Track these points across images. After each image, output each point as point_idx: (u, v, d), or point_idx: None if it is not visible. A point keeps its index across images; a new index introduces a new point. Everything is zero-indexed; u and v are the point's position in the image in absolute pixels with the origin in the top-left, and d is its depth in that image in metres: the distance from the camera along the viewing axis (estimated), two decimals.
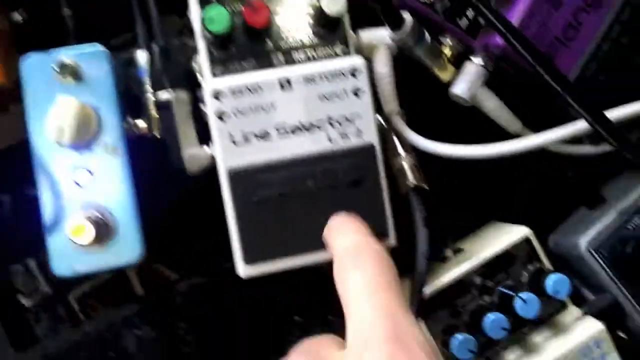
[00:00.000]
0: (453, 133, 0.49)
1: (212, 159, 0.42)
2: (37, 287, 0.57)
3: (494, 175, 0.52)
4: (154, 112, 0.44)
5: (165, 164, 0.44)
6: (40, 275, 0.57)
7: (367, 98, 0.40)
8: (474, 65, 0.44)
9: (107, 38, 0.50)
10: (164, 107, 0.43)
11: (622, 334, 0.47)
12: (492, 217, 0.52)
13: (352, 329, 0.31)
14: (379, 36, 0.44)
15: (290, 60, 0.41)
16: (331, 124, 0.40)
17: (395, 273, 0.34)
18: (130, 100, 0.45)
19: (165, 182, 0.46)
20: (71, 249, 0.40)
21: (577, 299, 0.48)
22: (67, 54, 0.41)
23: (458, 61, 0.46)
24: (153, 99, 0.43)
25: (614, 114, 0.38)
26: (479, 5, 0.37)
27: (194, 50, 0.42)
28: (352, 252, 0.34)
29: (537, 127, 0.48)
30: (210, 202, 0.45)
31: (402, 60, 0.45)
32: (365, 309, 0.31)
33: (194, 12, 0.40)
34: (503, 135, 0.48)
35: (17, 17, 0.44)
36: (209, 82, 0.40)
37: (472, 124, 0.48)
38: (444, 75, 0.45)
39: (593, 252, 0.47)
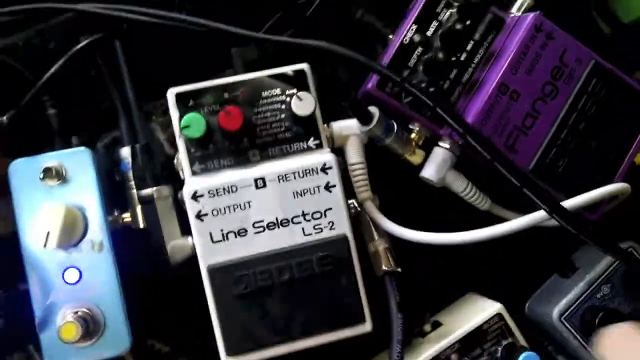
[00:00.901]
0: (426, 213, 0.51)
1: (194, 249, 0.44)
2: None
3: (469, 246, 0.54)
4: (137, 206, 0.46)
5: (150, 253, 0.46)
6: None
7: (338, 192, 0.42)
8: (442, 150, 0.47)
9: (93, 133, 0.53)
10: (147, 202, 0.46)
11: None
12: (468, 287, 0.54)
13: None
14: (350, 127, 0.46)
15: (265, 156, 0.43)
16: (305, 219, 0.42)
17: None
18: (115, 193, 0.47)
19: (150, 269, 0.48)
20: (62, 345, 0.42)
21: None
22: (51, 157, 0.44)
23: (427, 145, 0.48)
24: (136, 194, 0.46)
25: (572, 202, 0.40)
26: (436, 108, 0.39)
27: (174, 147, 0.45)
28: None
29: (506, 201, 0.51)
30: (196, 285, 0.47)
31: (373, 146, 0.48)
32: None
33: (174, 118, 0.43)
34: (475, 211, 0.50)
35: (3, 120, 0.46)
36: (187, 183, 0.42)
37: (444, 203, 0.51)
38: (414, 159, 0.48)
39: (564, 321, 0.49)
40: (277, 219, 0.42)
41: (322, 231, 0.42)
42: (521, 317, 0.52)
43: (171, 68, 0.53)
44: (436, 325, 0.49)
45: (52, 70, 0.45)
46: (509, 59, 0.44)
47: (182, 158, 0.43)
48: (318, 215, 0.42)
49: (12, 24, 0.49)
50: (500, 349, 0.46)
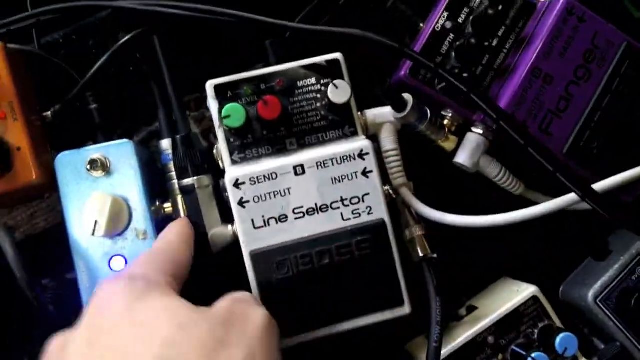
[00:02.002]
0: (460, 199, 0.52)
1: (235, 236, 0.46)
2: None
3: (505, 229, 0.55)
4: (178, 196, 0.47)
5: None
6: None
7: (375, 177, 0.43)
8: (475, 136, 0.47)
9: (133, 126, 0.55)
10: (188, 192, 0.47)
11: None
12: (503, 271, 0.55)
13: None
14: (384, 114, 0.47)
15: (302, 144, 0.44)
16: (344, 204, 0.43)
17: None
18: (155, 184, 0.48)
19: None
20: None
21: (588, 348, 0.50)
22: (96, 150, 0.45)
23: (460, 131, 0.49)
24: (177, 185, 0.47)
25: (604, 184, 0.40)
26: (470, 94, 0.40)
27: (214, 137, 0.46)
28: None
29: (539, 183, 0.51)
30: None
31: (407, 133, 0.49)
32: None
33: (213, 109, 0.44)
34: (509, 195, 0.51)
35: (48, 115, 0.48)
36: (229, 171, 0.43)
37: (478, 188, 0.51)
38: (448, 145, 0.48)
39: (600, 304, 0.49)
40: (316, 204, 0.43)
41: (360, 216, 0.43)
42: (555, 300, 0.52)
43: (202, 62, 0.55)
44: (471, 309, 0.50)
45: (97, 66, 0.46)
46: (542, 42, 0.45)
47: (221, 148, 0.44)
48: (356, 200, 0.43)
49: (52, 22, 0.51)
50: (536, 331, 0.47)
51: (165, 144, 0.48)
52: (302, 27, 0.45)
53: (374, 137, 0.47)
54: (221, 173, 0.46)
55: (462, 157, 0.48)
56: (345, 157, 0.43)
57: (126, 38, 0.46)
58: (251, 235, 0.42)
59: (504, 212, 0.44)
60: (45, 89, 0.50)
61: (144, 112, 0.55)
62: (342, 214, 0.43)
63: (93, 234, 0.42)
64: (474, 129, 0.48)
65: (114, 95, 0.52)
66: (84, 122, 0.50)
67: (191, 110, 0.56)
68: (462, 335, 0.46)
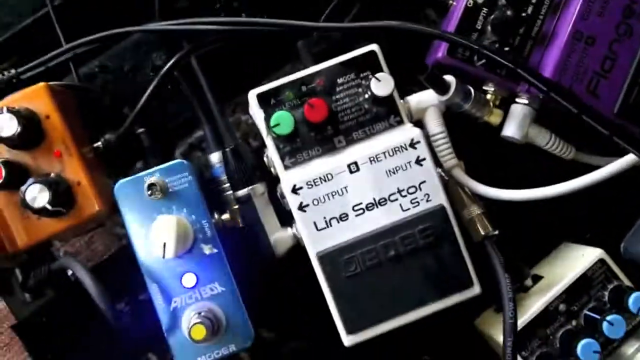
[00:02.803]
0: (510, 171, 0.51)
1: (295, 238, 0.47)
2: None
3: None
4: (235, 206, 0.48)
5: (255, 249, 0.48)
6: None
7: (429, 164, 0.43)
8: (521, 107, 0.47)
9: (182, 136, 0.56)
10: (244, 202, 0.48)
11: None
12: (560, 236, 0.55)
13: None
14: (427, 99, 0.47)
15: (350, 141, 0.45)
16: (401, 195, 0.43)
17: None
18: (209, 196, 0.49)
19: (254, 265, 0.50)
20: (192, 346, 0.45)
21: None
22: (152, 174, 0.46)
23: (504, 104, 0.48)
24: (233, 196, 0.48)
25: None
26: (517, 69, 0.40)
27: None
28: None
29: (590, 146, 0.51)
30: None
31: (450, 112, 0.48)
32: None
33: (259, 118, 0.44)
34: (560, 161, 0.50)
35: (99, 146, 0.49)
36: (284, 177, 0.44)
37: (528, 159, 0.51)
38: (494, 120, 0.48)
39: None
40: (374, 199, 0.43)
41: (419, 204, 0.43)
42: (619, 259, 0.52)
43: (233, 70, 0.55)
44: (536, 278, 0.50)
45: (144, 98, 0.47)
46: (579, 5, 0.44)
47: (272, 155, 0.45)
48: (413, 189, 0.43)
49: (85, 52, 0.52)
50: (606, 293, 0.47)
51: (215, 157, 0.49)
52: (334, 26, 0.45)
53: (419, 122, 0.48)
54: (273, 178, 0.47)
55: (511, 130, 0.47)
56: (397, 149, 0.43)
57: (167, 67, 0.46)
58: (315, 237, 0.43)
59: (556, 179, 0.44)
60: (87, 119, 0.51)
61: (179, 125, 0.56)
62: (400, 204, 0.43)
63: (163, 257, 0.43)
64: (518, 100, 0.48)
65: (156, 114, 0.53)
66: (132, 145, 0.51)
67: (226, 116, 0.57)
68: (534, 306, 0.46)
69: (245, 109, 0.66)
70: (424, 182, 0.43)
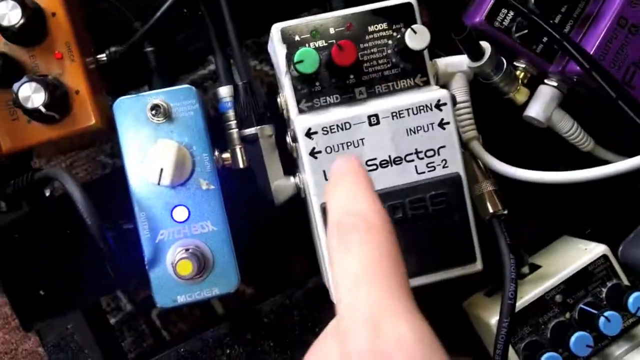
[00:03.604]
0: (524, 152, 0.50)
1: (297, 188, 0.44)
2: (120, 306, 0.60)
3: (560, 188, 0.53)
4: (239, 146, 0.45)
5: (254, 193, 0.46)
6: (124, 296, 0.60)
7: (452, 129, 0.41)
8: (549, 88, 0.46)
9: (186, 71, 0.52)
10: (250, 142, 0.45)
11: None
12: (560, 228, 0.54)
13: (334, 325, 0.28)
14: (458, 63, 0.45)
15: (372, 94, 0.42)
16: (418, 157, 0.41)
17: (396, 255, 0.27)
18: (211, 132, 0.46)
19: (250, 209, 0.48)
20: (173, 283, 0.42)
21: None
22: (157, 95, 0.43)
23: (532, 83, 0.47)
24: (239, 134, 0.45)
25: None
26: (559, 38, 0.38)
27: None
28: (341, 228, 0.28)
29: (607, 140, 0.50)
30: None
31: (475, 83, 0.46)
32: (344, 311, 0.26)
33: (280, 54, 0.41)
34: (574, 150, 0.49)
35: (102, 58, 0.45)
36: (298, 120, 0.41)
37: (542, 143, 0.49)
38: (519, 97, 0.46)
39: None
40: (390, 156, 0.41)
41: (435, 169, 0.41)
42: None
43: (246, 9, 0.52)
44: (534, 267, 0.49)
45: (160, 12, 0.43)
46: None
47: (288, 96, 0.42)
48: (431, 153, 0.41)
49: None
50: (605, 290, 0.46)
51: (225, 91, 0.46)
52: None
53: (443, 87, 0.45)
54: (282, 123, 0.45)
55: (535, 110, 0.46)
56: (421, 107, 0.41)
57: None
58: (323, 187, 0.41)
59: (569, 168, 0.43)
60: (95, 29, 0.47)
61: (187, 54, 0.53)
62: (416, 166, 0.41)
63: (158, 183, 0.41)
64: (547, 81, 0.46)
65: (167, 36, 0.50)
66: (138, 64, 0.47)
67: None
68: (530, 293, 0.45)
69: (255, 53, 0.63)
70: (444, 147, 0.41)
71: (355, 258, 0.27)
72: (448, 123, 0.41)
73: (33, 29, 0.40)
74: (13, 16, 0.38)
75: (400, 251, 0.28)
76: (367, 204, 0.29)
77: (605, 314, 0.43)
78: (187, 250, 0.42)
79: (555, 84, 0.45)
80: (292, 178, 0.45)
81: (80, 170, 0.63)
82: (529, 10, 0.39)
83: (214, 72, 0.60)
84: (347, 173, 0.31)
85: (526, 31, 0.44)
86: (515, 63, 0.46)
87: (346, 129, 0.41)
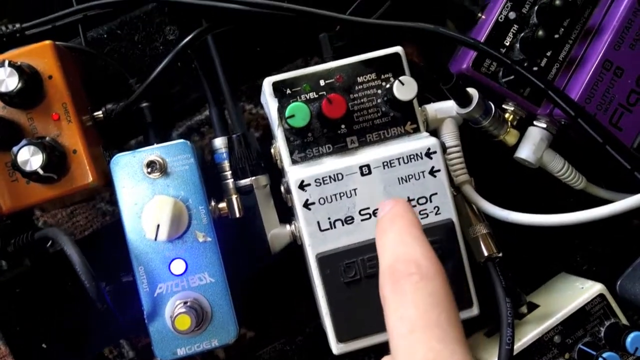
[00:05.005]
0: (518, 191, 0.50)
1: (293, 236, 0.45)
2: (123, 353, 0.60)
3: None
4: (235, 196, 0.46)
5: (250, 242, 0.47)
6: (126, 343, 0.60)
7: (443, 176, 0.42)
8: (539, 130, 0.46)
9: (182, 117, 0.53)
10: (245, 192, 0.46)
11: None
12: (557, 265, 0.54)
13: None
14: (446, 109, 0.46)
15: (363, 142, 0.43)
16: (410, 204, 0.42)
17: (449, 301, 0.29)
18: (207, 182, 0.47)
19: (247, 258, 0.48)
20: (172, 336, 0.43)
21: None
22: (153, 151, 0.44)
23: (522, 124, 0.47)
24: (234, 184, 0.46)
25: None
26: (544, 88, 0.39)
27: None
28: (394, 274, 0.29)
29: (599, 175, 0.50)
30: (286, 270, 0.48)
31: (466, 126, 0.47)
32: (402, 355, 0.27)
33: (272, 108, 0.42)
34: (568, 189, 0.50)
35: (99, 115, 0.46)
36: (291, 172, 0.42)
37: (535, 181, 0.50)
38: (509, 139, 0.47)
39: None
40: None
41: (427, 216, 0.42)
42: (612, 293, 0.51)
43: (242, 56, 0.53)
44: (532, 307, 0.49)
45: (157, 71, 0.44)
46: (612, 34, 0.43)
47: (281, 147, 0.43)
48: (423, 200, 0.42)
49: (96, 16, 0.49)
50: (602, 329, 0.46)
51: (219, 142, 0.47)
52: (368, 22, 0.44)
53: (434, 133, 0.46)
54: (277, 170, 0.45)
55: (526, 152, 0.46)
56: (412, 156, 0.42)
57: (186, 41, 0.44)
58: (317, 237, 0.41)
59: (562, 207, 0.43)
60: (91, 86, 0.48)
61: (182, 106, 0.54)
62: None
63: (155, 239, 0.41)
64: (536, 123, 0.47)
65: (162, 91, 0.51)
66: (133, 118, 0.48)
67: None
68: (528, 335, 0.45)
69: (250, 97, 0.64)
70: (435, 194, 0.42)
71: (410, 305, 0.28)
72: (439, 170, 0.42)
73: (30, 92, 0.41)
74: (10, 82, 0.39)
75: (453, 297, 0.29)
76: (420, 250, 0.30)
77: (604, 355, 0.43)
78: (185, 303, 0.43)
79: (544, 125, 0.46)
80: (287, 226, 0.45)
81: (81, 218, 0.63)
82: (512, 61, 0.40)
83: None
84: (398, 217, 0.32)
85: (512, 77, 0.44)
86: (503, 105, 0.47)
87: (339, 179, 0.41)
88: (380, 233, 0.32)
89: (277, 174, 0.46)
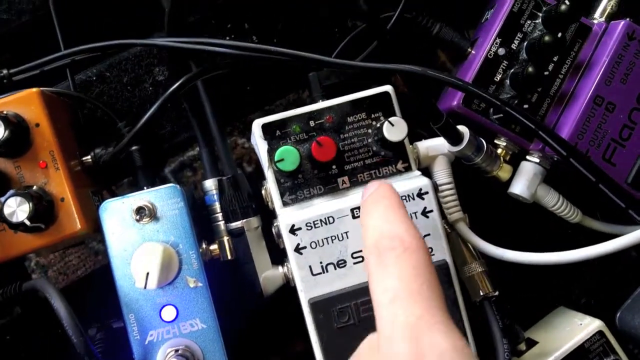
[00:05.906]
0: (512, 227, 0.50)
1: (286, 278, 0.44)
2: None
3: None
4: (226, 238, 0.45)
5: (242, 285, 0.46)
6: None
7: (436, 217, 0.41)
8: (532, 165, 0.46)
9: (173, 154, 0.53)
10: (236, 235, 0.45)
11: None
12: (555, 299, 0.53)
13: (373, 339, 0.29)
14: (438, 147, 0.45)
15: (355, 182, 0.43)
16: None
17: (430, 273, 0.29)
18: (196, 222, 0.47)
19: (239, 301, 0.48)
20: None
21: None
22: (142, 196, 0.43)
23: (514, 159, 0.47)
24: (226, 226, 0.45)
25: None
26: (534, 128, 0.38)
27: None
28: (379, 249, 0.30)
29: (595, 207, 0.49)
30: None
31: (458, 163, 0.47)
32: (384, 322, 0.28)
33: (262, 150, 0.42)
34: (564, 223, 0.49)
35: (87, 160, 0.46)
36: (282, 215, 0.41)
37: (531, 217, 0.49)
38: (502, 175, 0.46)
39: None
40: None
41: None
42: (610, 326, 0.51)
43: (233, 93, 0.53)
44: (531, 343, 0.48)
45: (146, 117, 0.44)
46: (602, 69, 0.43)
47: (272, 190, 0.42)
48: None
49: (84, 59, 0.49)
50: None
51: (210, 184, 0.47)
52: (355, 65, 0.43)
53: (425, 170, 0.46)
54: (268, 210, 0.45)
55: (519, 188, 0.46)
56: (404, 197, 0.41)
57: (175, 87, 0.44)
58: (309, 282, 0.41)
59: (559, 240, 0.43)
60: (80, 129, 0.48)
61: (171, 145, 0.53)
62: None
63: (145, 287, 0.41)
64: (529, 158, 0.46)
65: (151, 133, 0.50)
66: (122, 162, 0.48)
67: None
68: None
69: (242, 132, 0.64)
70: (428, 235, 0.41)
71: (393, 276, 0.29)
72: (431, 211, 0.41)
73: (17, 141, 0.40)
74: None
75: (435, 270, 0.30)
76: (403, 227, 0.31)
77: None
78: (176, 351, 0.42)
79: (537, 160, 0.46)
80: (280, 268, 0.45)
81: (74, 258, 0.62)
82: (502, 102, 0.40)
83: None
84: (382, 198, 0.34)
85: (502, 116, 0.44)
86: (495, 141, 0.47)
87: (330, 223, 0.41)
88: (365, 214, 0.34)
89: (269, 214, 0.45)
